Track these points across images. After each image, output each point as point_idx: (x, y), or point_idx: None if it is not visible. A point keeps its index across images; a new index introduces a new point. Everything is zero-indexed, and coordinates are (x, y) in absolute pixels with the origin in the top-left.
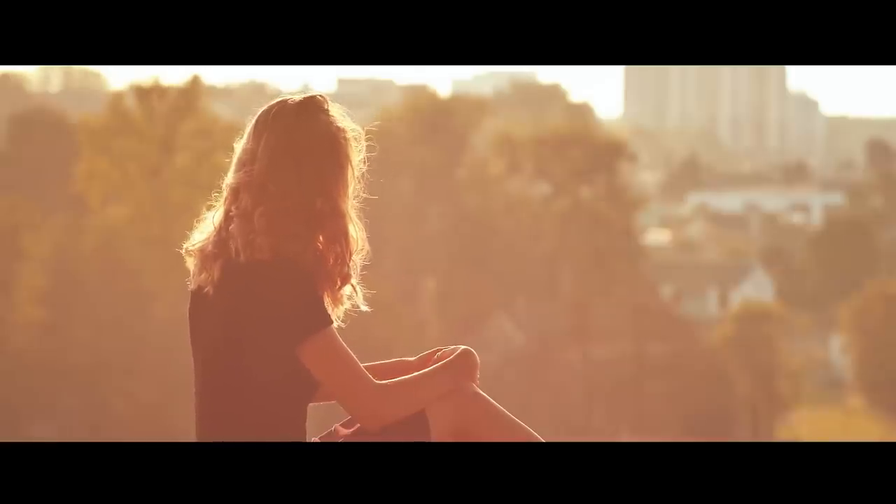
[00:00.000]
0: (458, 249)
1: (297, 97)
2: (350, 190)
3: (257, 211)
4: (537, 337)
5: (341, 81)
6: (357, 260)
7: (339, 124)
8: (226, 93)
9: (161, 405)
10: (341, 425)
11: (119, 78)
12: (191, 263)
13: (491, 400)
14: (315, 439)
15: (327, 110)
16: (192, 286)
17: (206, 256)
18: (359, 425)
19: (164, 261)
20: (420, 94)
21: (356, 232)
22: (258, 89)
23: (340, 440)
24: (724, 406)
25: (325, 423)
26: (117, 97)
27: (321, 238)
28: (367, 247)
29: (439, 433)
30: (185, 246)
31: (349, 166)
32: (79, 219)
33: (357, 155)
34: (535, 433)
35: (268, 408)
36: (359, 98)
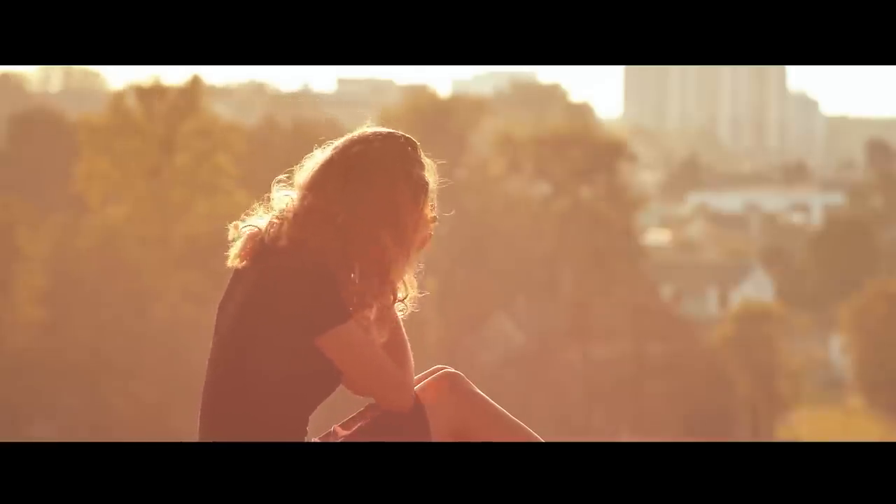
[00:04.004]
0: (458, 249)
1: (386, 133)
2: (400, 233)
3: (299, 213)
4: (537, 337)
5: (341, 81)
6: (405, 304)
7: (414, 172)
8: (226, 93)
9: (161, 405)
10: (340, 426)
11: (119, 78)
12: (234, 238)
13: (491, 400)
14: (315, 440)
15: (408, 155)
16: (230, 263)
17: (247, 238)
18: (359, 426)
19: (164, 261)
20: (420, 94)
21: (401, 278)
22: (258, 89)
23: (340, 441)
24: (724, 406)
25: (325, 424)
26: (118, 97)
27: (355, 260)
28: (410, 292)
29: (439, 433)
30: (236, 222)
31: (401, 212)
32: (78, 218)
33: (417, 206)
34: (535, 433)
35: (272, 408)
36: (359, 98)
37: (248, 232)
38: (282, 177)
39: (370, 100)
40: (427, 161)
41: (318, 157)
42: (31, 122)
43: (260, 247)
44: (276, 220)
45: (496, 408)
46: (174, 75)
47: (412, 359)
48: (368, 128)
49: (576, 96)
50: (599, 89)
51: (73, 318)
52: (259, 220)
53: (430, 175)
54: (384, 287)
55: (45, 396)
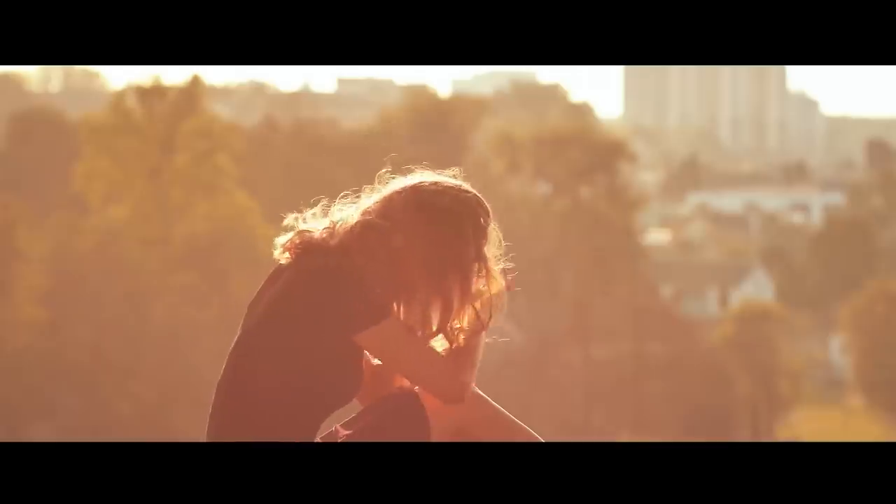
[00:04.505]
0: None
1: (465, 188)
2: (453, 282)
3: (356, 226)
4: (537, 337)
5: (341, 81)
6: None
7: (480, 229)
8: (226, 93)
9: (161, 405)
10: (341, 426)
11: (119, 78)
12: (287, 226)
13: (491, 400)
14: (316, 439)
15: (478, 215)
16: (276, 255)
17: (297, 233)
18: (360, 426)
19: (164, 261)
20: (420, 94)
21: (447, 323)
22: (258, 89)
23: (340, 440)
24: (724, 406)
25: (326, 423)
26: (118, 97)
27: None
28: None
29: (439, 433)
30: (297, 215)
31: (461, 261)
32: (78, 218)
33: (478, 259)
34: (535, 433)
35: (285, 411)
36: (359, 98)
37: (300, 228)
38: (347, 192)
39: (370, 100)
40: (495, 231)
41: (391, 185)
42: (31, 122)
43: (307, 244)
44: (331, 226)
45: (496, 408)
46: (174, 75)
47: (476, 367)
48: (454, 176)
49: (576, 96)
50: (599, 89)
51: (73, 318)
52: (317, 223)
53: (493, 247)
54: (426, 323)
55: (45, 396)
